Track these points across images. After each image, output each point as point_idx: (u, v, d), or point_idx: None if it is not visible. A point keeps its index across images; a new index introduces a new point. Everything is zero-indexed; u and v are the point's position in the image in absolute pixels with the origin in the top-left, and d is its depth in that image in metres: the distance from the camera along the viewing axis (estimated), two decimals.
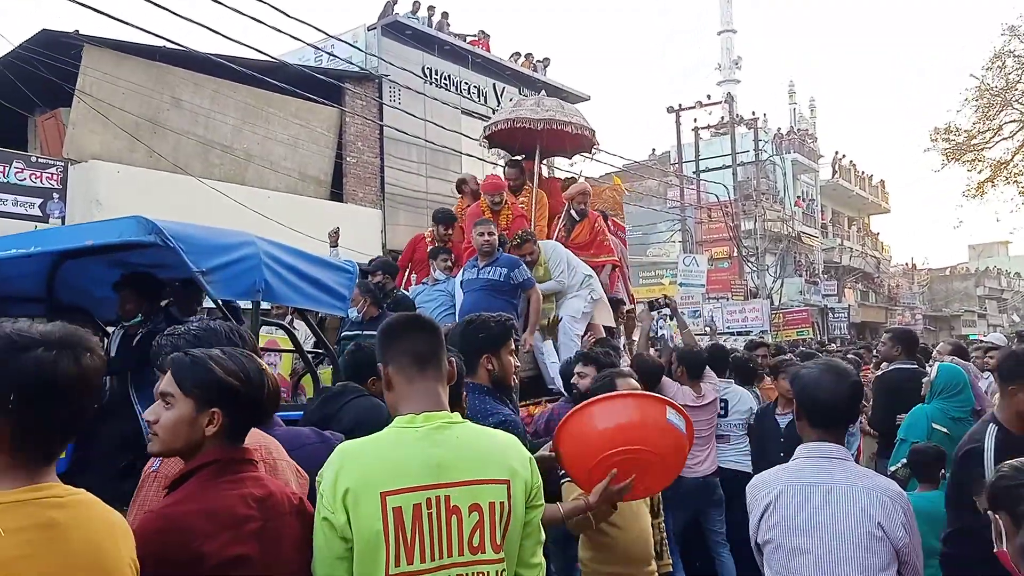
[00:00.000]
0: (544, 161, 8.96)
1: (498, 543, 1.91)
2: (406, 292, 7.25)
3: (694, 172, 28.74)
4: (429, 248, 7.42)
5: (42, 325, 1.52)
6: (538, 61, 22.62)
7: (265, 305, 5.16)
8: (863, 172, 44.27)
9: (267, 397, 2.00)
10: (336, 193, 16.76)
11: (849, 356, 11.27)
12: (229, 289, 4.33)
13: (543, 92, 10.55)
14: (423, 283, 7.20)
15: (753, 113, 29.17)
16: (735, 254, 28.59)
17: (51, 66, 12.36)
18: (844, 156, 41.41)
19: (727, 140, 28.28)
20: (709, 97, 28.98)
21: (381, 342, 2.12)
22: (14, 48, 12.40)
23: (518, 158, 8.16)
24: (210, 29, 10.49)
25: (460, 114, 18.71)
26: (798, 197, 36.40)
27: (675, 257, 28.73)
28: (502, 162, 11.60)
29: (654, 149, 36.91)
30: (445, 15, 20.21)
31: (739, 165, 28.13)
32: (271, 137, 15.64)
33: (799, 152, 36.50)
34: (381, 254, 12.84)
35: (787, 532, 2.46)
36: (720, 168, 28.25)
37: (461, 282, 6.39)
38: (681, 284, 24.60)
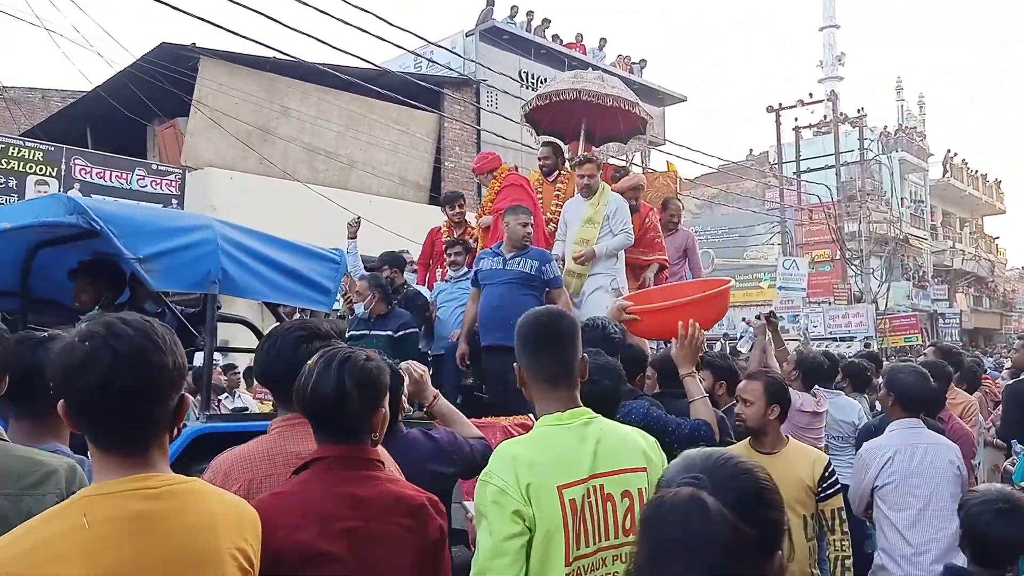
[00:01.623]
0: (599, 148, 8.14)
1: None
2: (418, 288, 6.81)
3: (794, 173, 27.96)
4: (444, 240, 6.86)
5: (121, 321, 1.50)
6: (634, 63, 22.45)
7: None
8: (976, 171, 42.16)
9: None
10: (435, 197, 17.05)
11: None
12: (176, 279, 3.86)
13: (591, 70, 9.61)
14: (446, 279, 6.61)
15: (859, 110, 28.10)
16: (838, 257, 27.65)
17: (170, 78, 13.01)
18: (955, 154, 39.55)
19: (829, 139, 27.42)
20: (811, 95, 28.12)
21: (519, 346, 2.20)
22: (135, 61, 13.10)
23: (550, 138, 7.32)
24: (317, 39, 10.83)
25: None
26: (903, 198, 34.96)
27: (773, 260, 28.01)
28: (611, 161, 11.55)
29: (751, 150, 36.17)
30: (545, 21, 20.30)
31: (843, 165, 27.20)
32: (373, 143, 16.04)
33: (907, 151, 35.04)
34: None
35: (904, 474, 3.71)
36: (822, 168, 27.39)
37: (478, 271, 5.62)
38: (780, 288, 23.96)
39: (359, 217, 7.25)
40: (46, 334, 2.09)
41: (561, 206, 6.57)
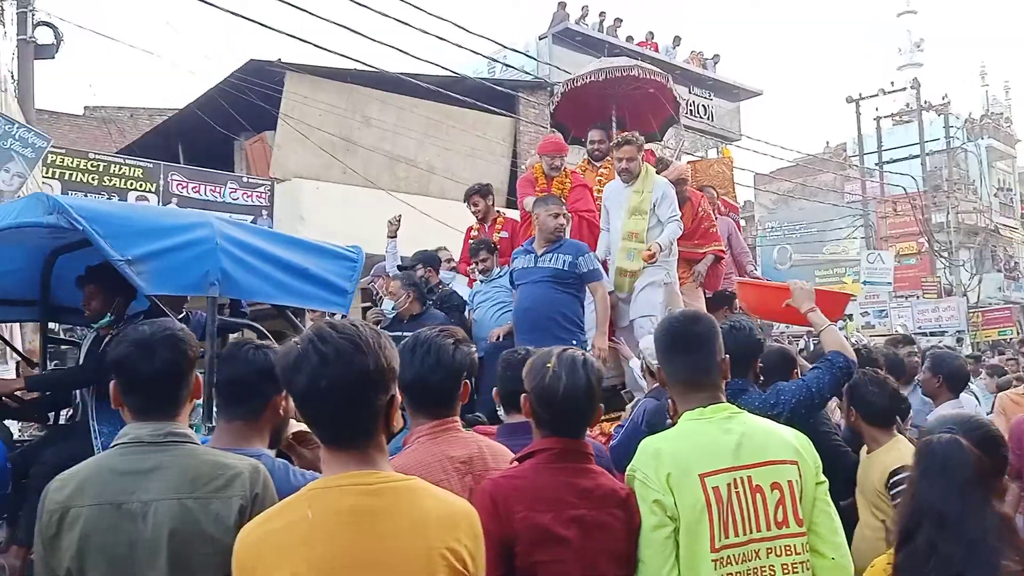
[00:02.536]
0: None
1: (800, 517, 2.06)
2: (454, 288, 6.38)
3: (876, 164, 27.17)
4: (470, 245, 6.44)
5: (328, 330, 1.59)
6: (707, 58, 22.17)
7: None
8: None
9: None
10: (512, 200, 17.13)
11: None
12: (169, 281, 3.60)
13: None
14: (481, 280, 6.23)
15: (943, 97, 27.14)
16: (924, 249, 26.77)
17: (258, 92, 13.42)
18: None
19: (910, 129, 26.58)
20: (892, 84, 27.27)
21: (657, 350, 2.32)
22: (226, 78, 13.55)
23: (599, 124, 6.80)
24: (397, 49, 11.06)
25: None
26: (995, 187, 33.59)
27: (855, 254, 27.29)
28: (684, 159, 11.44)
29: (828, 142, 35.27)
30: (617, 20, 20.24)
31: (927, 154, 26.31)
32: (451, 149, 16.22)
33: (994, 138, 33.67)
34: None
35: None
36: (905, 159, 26.58)
37: (513, 271, 5.33)
38: (865, 283, 23.38)
39: (399, 216, 7.04)
40: (255, 343, 2.19)
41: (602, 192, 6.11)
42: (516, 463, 2.14)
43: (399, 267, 6.52)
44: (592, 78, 6.51)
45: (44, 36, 9.88)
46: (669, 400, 2.65)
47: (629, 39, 20.32)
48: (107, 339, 3.93)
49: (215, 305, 3.79)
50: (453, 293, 6.13)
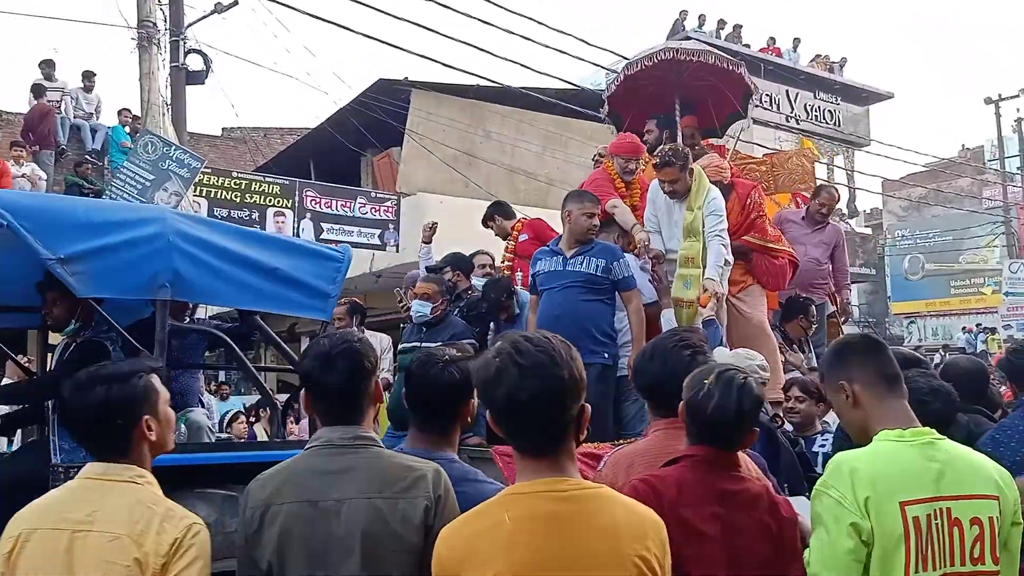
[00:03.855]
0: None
1: (997, 555, 1.99)
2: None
3: (1018, 168, 25.57)
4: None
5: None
6: (834, 62, 21.48)
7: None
8: None
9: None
10: None
11: None
12: (110, 283, 3.25)
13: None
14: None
15: None
16: None
17: (385, 110, 13.92)
18: None
19: None
20: None
21: (840, 359, 2.21)
22: (356, 96, 14.13)
23: (658, 115, 6.18)
24: (518, 63, 11.27)
25: (752, 124, 18.25)
26: None
27: (995, 263, 25.73)
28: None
29: (963, 145, 33.39)
30: (736, 27, 19.92)
31: None
32: (570, 161, 16.32)
33: None
34: None
35: None
36: None
37: (535, 275, 4.84)
38: (1007, 294, 22.06)
39: (435, 223, 6.84)
40: (440, 360, 2.28)
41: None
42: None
43: (427, 268, 6.37)
44: (658, 59, 5.72)
45: (195, 63, 10.59)
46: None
47: (747, 46, 19.95)
48: (72, 348, 3.67)
49: (166, 310, 3.39)
50: (480, 300, 5.68)
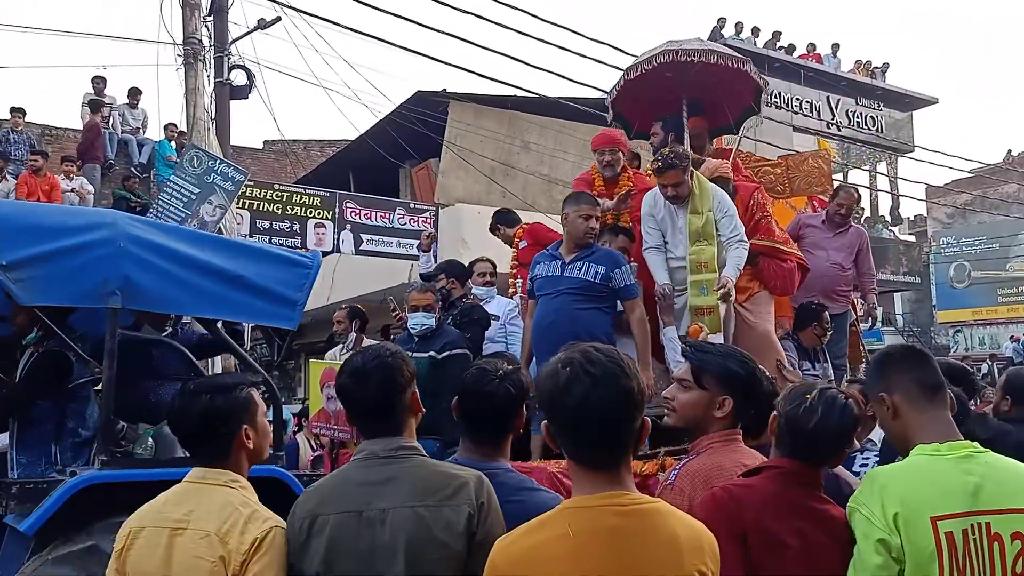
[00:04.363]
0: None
1: None
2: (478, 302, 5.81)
3: None
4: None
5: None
6: (876, 67, 21.19)
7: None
8: None
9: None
10: None
11: None
12: (55, 290, 3.12)
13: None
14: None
15: None
16: None
17: (424, 122, 14.05)
18: None
19: None
20: None
21: (881, 370, 2.20)
22: (395, 108, 14.28)
23: (663, 117, 5.92)
24: (555, 74, 11.29)
25: (792, 131, 18.10)
26: None
27: None
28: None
29: (1010, 150, 32.65)
30: (776, 34, 19.78)
31: None
32: None
33: None
34: None
35: None
36: None
37: (532, 279, 4.68)
38: None
39: (433, 231, 6.83)
40: (495, 375, 2.30)
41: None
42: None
43: (421, 276, 6.33)
44: (657, 61, 5.51)
45: (238, 78, 10.80)
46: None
47: (789, 49, 19.78)
48: (34, 357, 3.59)
49: (115, 318, 3.23)
50: (475, 307, 5.56)
